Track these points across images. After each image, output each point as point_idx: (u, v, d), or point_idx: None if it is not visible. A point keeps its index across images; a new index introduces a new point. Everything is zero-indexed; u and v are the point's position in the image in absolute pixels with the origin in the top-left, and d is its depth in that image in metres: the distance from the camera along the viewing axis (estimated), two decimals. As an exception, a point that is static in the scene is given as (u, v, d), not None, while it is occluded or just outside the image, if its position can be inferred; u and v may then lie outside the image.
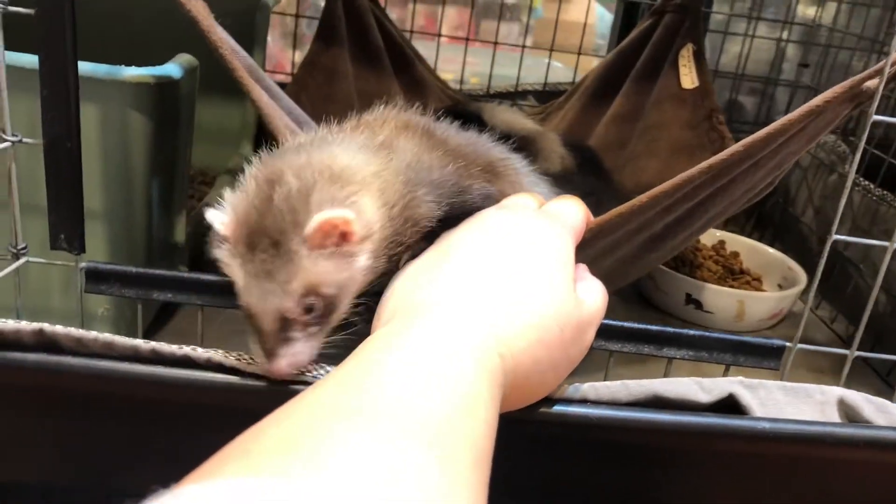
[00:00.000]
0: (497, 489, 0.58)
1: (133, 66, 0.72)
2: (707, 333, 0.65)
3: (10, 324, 0.54)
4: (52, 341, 0.55)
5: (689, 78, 1.17)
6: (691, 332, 0.65)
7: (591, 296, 0.57)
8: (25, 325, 0.54)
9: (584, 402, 0.59)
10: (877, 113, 0.61)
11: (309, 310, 0.53)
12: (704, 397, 0.61)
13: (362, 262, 0.55)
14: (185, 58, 0.80)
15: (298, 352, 0.53)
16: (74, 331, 0.54)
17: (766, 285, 1.21)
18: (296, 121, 0.74)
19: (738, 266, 1.23)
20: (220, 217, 0.55)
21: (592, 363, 0.89)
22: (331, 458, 0.35)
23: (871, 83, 0.62)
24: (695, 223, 0.74)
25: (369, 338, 0.48)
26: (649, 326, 0.65)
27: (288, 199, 0.53)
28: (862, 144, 0.62)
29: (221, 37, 0.65)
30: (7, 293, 0.67)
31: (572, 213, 0.61)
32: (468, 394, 0.43)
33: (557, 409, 0.58)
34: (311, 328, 0.53)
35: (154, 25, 0.98)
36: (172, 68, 0.76)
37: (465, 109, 1.16)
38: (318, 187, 0.54)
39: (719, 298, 1.09)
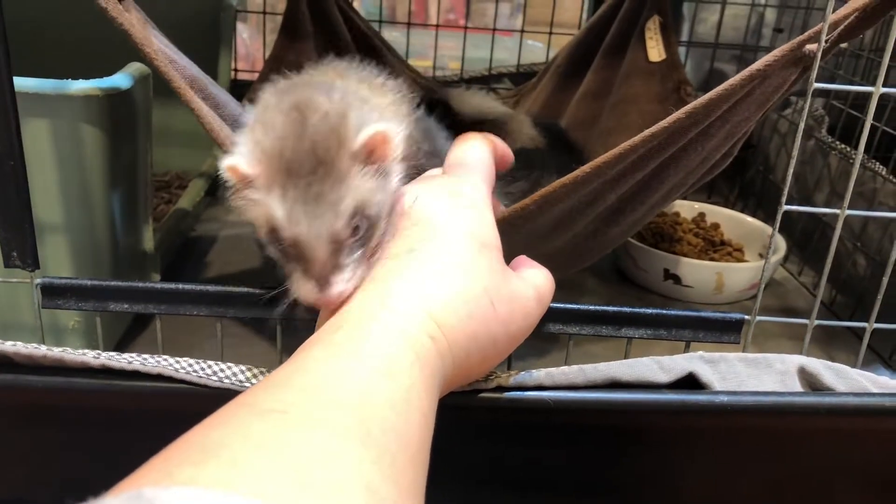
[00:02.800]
0: (453, 478, 0.58)
1: (80, 80, 0.71)
2: (664, 311, 0.65)
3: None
4: (5, 358, 0.56)
5: (655, 51, 1.16)
6: (648, 310, 0.65)
7: (533, 276, 0.57)
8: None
9: (539, 388, 0.59)
10: (849, 73, 0.60)
11: (355, 232, 0.51)
12: (664, 377, 0.61)
13: (395, 182, 0.55)
14: (136, 66, 0.79)
15: (349, 277, 0.50)
16: (23, 347, 0.55)
17: (747, 255, 1.20)
18: (239, 128, 0.74)
19: (719, 238, 1.23)
20: (241, 160, 0.52)
21: (556, 346, 0.90)
22: (269, 467, 0.35)
23: (811, 46, 0.61)
24: (652, 195, 0.74)
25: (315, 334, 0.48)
26: (606, 308, 0.65)
27: (326, 119, 0.52)
28: (805, 113, 0.61)
29: (156, 48, 0.64)
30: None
31: (475, 156, 0.60)
32: (404, 387, 0.43)
33: (512, 395, 0.58)
34: (356, 253, 0.51)
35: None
36: (122, 78, 0.76)
37: (431, 98, 1.15)
38: (354, 108, 0.54)
39: (697, 272, 1.08)
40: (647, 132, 0.64)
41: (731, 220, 1.26)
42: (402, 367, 0.44)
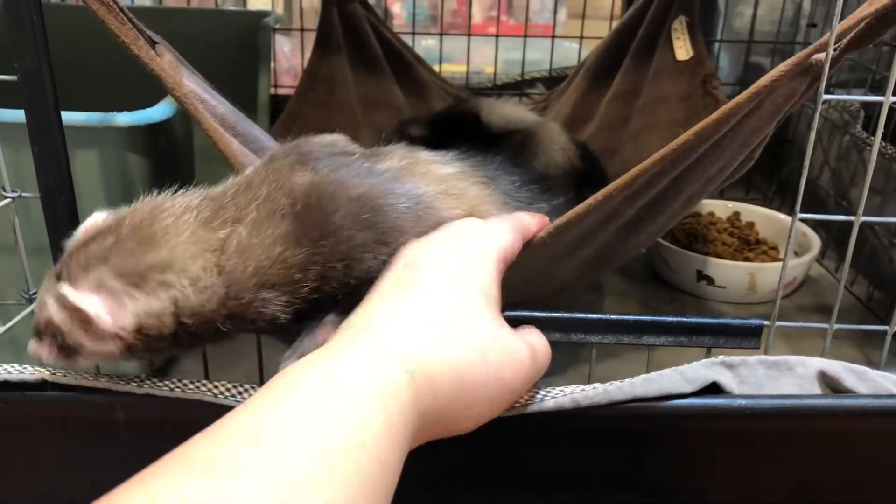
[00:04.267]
0: (477, 482, 0.61)
1: (125, 112, 0.76)
2: (684, 319, 0.67)
3: (14, 371, 0.60)
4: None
5: (683, 50, 1.17)
6: (668, 319, 0.67)
7: (529, 334, 0.57)
8: (29, 374, 0.60)
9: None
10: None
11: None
12: (687, 388, 0.62)
13: None
14: (177, 96, 0.84)
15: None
16: (74, 378, 0.60)
17: (782, 253, 1.20)
18: None
19: (754, 237, 1.23)
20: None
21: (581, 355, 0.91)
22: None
23: (819, 56, 0.62)
24: (671, 205, 0.75)
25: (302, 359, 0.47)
26: (626, 317, 0.67)
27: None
28: (815, 124, 0.62)
29: (186, 91, 0.68)
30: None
31: (495, 237, 0.60)
32: (367, 433, 0.41)
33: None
34: None
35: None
36: (163, 109, 0.80)
37: (460, 110, 1.18)
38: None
39: (729, 272, 1.09)
40: (655, 155, 0.65)
41: (766, 219, 1.26)
42: (362, 412, 0.42)
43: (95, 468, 0.62)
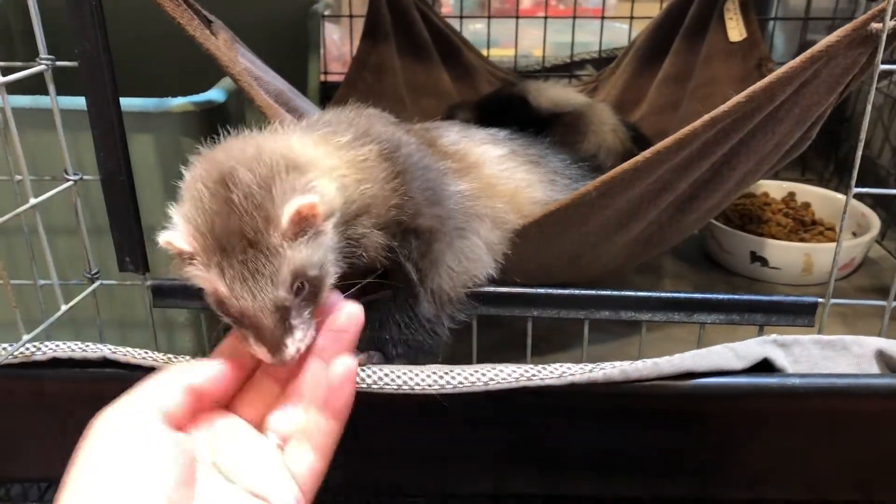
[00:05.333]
0: (534, 462, 0.61)
1: (179, 97, 0.78)
2: (736, 297, 0.66)
3: (77, 349, 0.62)
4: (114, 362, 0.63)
5: (736, 31, 1.14)
6: (720, 296, 0.66)
7: None
8: (91, 352, 0.62)
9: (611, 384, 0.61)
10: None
11: (298, 294, 0.54)
12: (738, 364, 0.61)
13: (330, 239, 0.56)
14: (229, 81, 0.85)
15: (301, 337, 0.53)
16: (133, 355, 0.62)
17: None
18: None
19: (810, 217, 1.20)
20: (176, 235, 0.54)
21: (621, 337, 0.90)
22: None
23: (877, 24, 0.60)
24: (725, 182, 0.74)
25: None
26: (677, 294, 0.67)
27: (251, 196, 0.53)
28: (871, 97, 0.60)
29: (240, 69, 0.70)
30: (102, 310, 0.75)
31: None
32: None
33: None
34: (304, 312, 0.54)
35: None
36: (215, 94, 0.82)
37: (508, 93, 1.17)
38: (279, 180, 0.54)
39: (784, 253, 1.07)
40: (706, 117, 0.64)
41: (822, 199, 1.23)
42: None
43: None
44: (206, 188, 0.54)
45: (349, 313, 0.55)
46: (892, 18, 0.60)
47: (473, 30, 1.79)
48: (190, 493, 0.47)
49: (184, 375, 0.51)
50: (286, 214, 0.53)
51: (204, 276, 0.54)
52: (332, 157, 0.61)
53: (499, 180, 0.75)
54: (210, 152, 0.58)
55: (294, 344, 0.53)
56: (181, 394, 0.50)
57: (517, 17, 1.51)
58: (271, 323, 0.52)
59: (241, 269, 0.52)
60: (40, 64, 0.63)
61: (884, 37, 0.58)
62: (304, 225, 0.54)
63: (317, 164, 0.58)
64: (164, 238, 0.54)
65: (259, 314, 0.53)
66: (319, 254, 0.55)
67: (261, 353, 0.53)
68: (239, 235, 0.52)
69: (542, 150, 0.77)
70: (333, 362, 0.53)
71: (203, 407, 0.52)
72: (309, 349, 0.54)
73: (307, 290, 0.54)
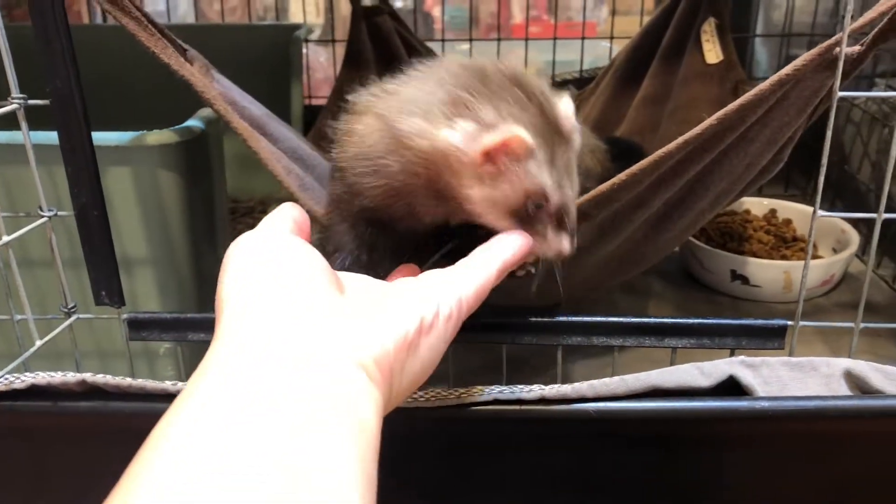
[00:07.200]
0: (500, 487, 0.61)
1: (156, 130, 0.79)
2: (706, 321, 0.66)
3: (57, 375, 0.62)
4: (95, 388, 0.63)
5: (713, 53, 1.16)
6: (690, 320, 0.67)
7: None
8: (71, 377, 0.62)
9: (582, 400, 0.62)
10: None
11: None
12: (705, 382, 0.63)
13: None
14: (206, 111, 0.86)
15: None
16: (111, 378, 0.62)
17: (821, 250, 1.18)
18: (298, 159, 0.79)
19: (791, 234, 1.21)
20: (523, 131, 0.56)
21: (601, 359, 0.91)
22: None
23: (848, 49, 0.60)
24: (699, 201, 0.75)
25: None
26: (647, 319, 0.67)
27: (546, 96, 0.59)
28: (830, 122, 0.61)
29: (216, 94, 0.70)
30: (82, 341, 0.76)
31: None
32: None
33: (556, 407, 0.61)
34: None
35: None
36: (193, 124, 0.83)
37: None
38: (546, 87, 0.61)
39: (765, 272, 1.08)
40: (680, 139, 0.65)
41: (804, 216, 1.24)
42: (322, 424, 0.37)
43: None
44: (504, 90, 0.57)
45: None
46: (861, 45, 0.62)
47: (461, 50, 1.80)
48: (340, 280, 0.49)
49: (288, 210, 0.53)
50: (569, 111, 0.60)
51: (534, 172, 0.57)
52: None
53: None
54: (451, 66, 0.62)
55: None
56: (299, 214, 0.53)
57: (499, 40, 1.52)
58: (575, 213, 0.60)
59: (562, 162, 0.58)
60: (12, 103, 0.64)
61: (840, 64, 0.59)
62: None
63: None
64: (518, 133, 0.56)
65: (572, 204, 0.59)
66: None
67: (559, 243, 0.59)
68: (554, 130, 0.58)
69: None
70: None
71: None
72: None
73: None
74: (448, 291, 0.49)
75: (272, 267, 0.46)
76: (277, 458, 0.34)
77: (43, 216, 0.69)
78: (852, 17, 0.63)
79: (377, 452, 0.39)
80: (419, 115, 0.58)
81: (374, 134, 0.62)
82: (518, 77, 0.59)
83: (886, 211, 0.71)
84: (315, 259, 0.47)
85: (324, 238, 0.69)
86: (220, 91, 0.73)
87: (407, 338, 0.45)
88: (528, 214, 0.58)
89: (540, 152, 0.57)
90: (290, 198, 0.67)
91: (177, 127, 0.81)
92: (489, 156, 0.56)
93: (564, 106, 0.60)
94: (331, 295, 0.45)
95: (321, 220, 0.71)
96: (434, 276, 0.52)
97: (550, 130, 0.58)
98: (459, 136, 0.56)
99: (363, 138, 0.63)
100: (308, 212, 0.57)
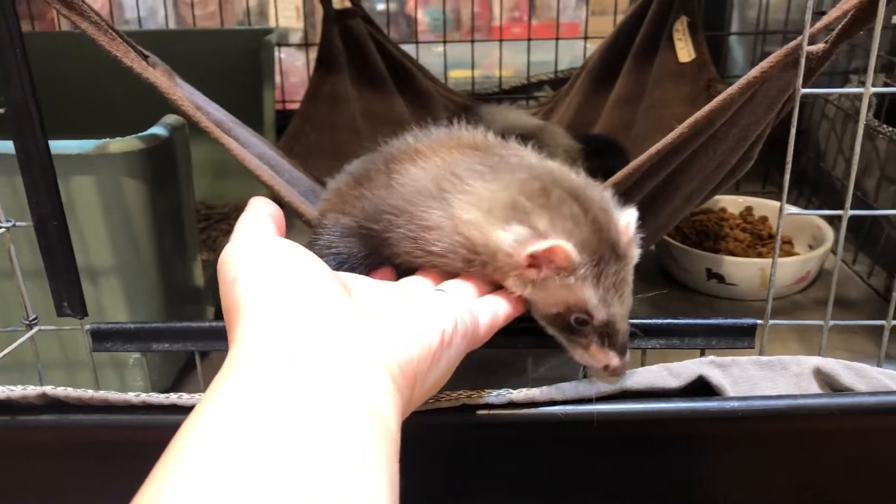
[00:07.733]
0: (470, 491, 0.61)
1: (118, 138, 0.77)
2: (675, 321, 0.66)
3: (17, 389, 0.61)
4: (57, 401, 0.62)
5: (685, 52, 1.16)
6: (659, 321, 0.66)
7: None
8: (31, 390, 0.61)
9: (551, 403, 0.61)
10: None
11: None
12: (674, 382, 0.62)
13: None
14: (172, 118, 0.85)
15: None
16: (73, 391, 0.61)
17: (797, 247, 1.18)
18: (267, 163, 0.78)
19: (767, 231, 1.21)
20: (571, 247, 0.56)
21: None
22: None
23: (812, 48, 0.61)
24: (670, 201, 0.75)
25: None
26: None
27: (605, 211, 0.59)
28: (794, 120, 0.61)
29: (182, 96, 0.70)
30: (49, 351, 0.74)
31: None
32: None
33: (525, 411, 0.61)
34: None
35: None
36: (158, 131, 0.81)
37: (467, 116, 1.18)
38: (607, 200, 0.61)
39: (740, 270, 1.07)
40: (651, 150, 0.66)
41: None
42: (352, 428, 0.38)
43: (102, 487, 0.64)
44: (564, 204, 0.58)
45: None
46: (811, 44, 0.62)
47: (438, 52, 1.80)
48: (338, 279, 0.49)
49: (264, 207, 0.55)
50: (629, 226, 0.60)
51: (577, 286, 0.57)
52: None
53: None
54: (516, 171, 0.61)
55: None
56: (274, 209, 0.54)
57: (472, 41, 1.51)
58: (625, 329, 0.59)
59: (613, 279, 0.58)
60: (-33, 112, 0.63)
61: (802, 62, 0.59)
62: None
63: None
64: (566, 247, 0.56)
65: (623, 322, 0.59)
66: None
67: (607, 359, 0.59)
68: (608, 246, 0.58)
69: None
70: None
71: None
72: None
73: None
74: (465, 308, 0.53)
75: (284, 271, 0.47)
76: (309, 465, 0.34)
77: (1, 227, 0.68)
78: (823, 13, 0.63)
79: (398, 458, 0.40)
80: (482, 211, 0.59)
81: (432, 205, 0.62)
82: (578, 191, 0.59)
83: (861, 207, 0.72)
84: (318, 262, 0.49)
85: (315, 238, 0.70)
86: (185, 94, 0.72)
87: (431, 348, 0.47)
88: (573, 326, 0.58)
89: (586, 268, 0.57)
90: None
91: (141, 134, 0.79)
92: (534, 260, 0.57)
93: (626, 219, 0.60)
94: (344, 298, 0.47)
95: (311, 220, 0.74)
96: (453, 286, 0.58)
97: (603, 246, 0.57)
98: (511, 238, 0.57)
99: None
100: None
